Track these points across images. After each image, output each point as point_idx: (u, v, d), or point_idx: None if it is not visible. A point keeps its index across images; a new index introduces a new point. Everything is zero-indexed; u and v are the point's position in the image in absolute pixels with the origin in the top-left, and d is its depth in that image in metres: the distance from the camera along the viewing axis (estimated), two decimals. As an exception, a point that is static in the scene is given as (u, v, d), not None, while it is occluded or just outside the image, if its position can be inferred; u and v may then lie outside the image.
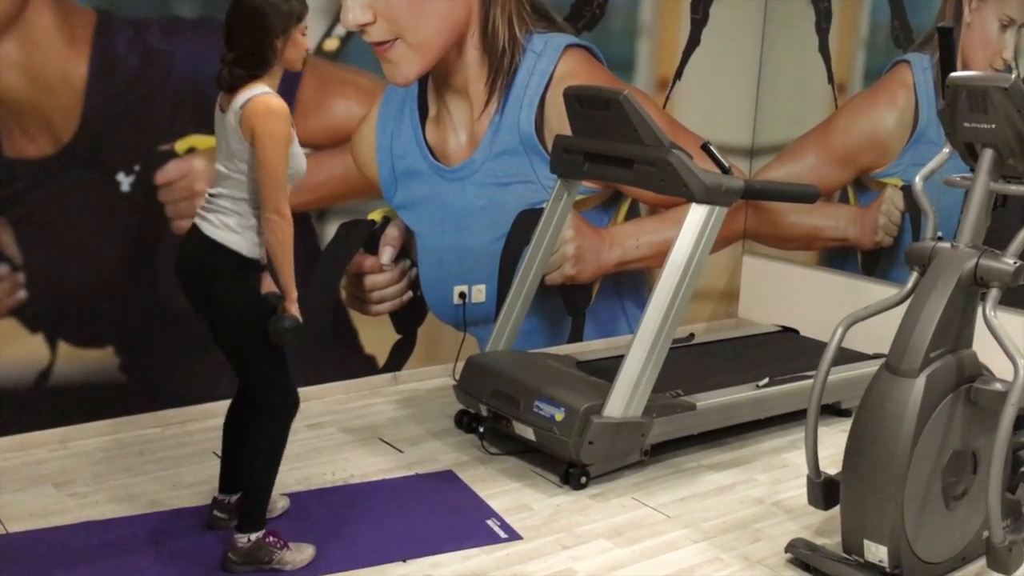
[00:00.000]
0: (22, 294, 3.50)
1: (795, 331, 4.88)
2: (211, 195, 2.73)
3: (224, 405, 3.88)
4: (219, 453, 3.51)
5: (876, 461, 2.68)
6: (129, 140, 3.59)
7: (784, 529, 3.19)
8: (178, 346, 3.81)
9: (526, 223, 4.55)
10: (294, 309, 2.72)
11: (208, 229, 2.68)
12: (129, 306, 3.69)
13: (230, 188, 2.68)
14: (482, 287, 4.58)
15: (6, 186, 3.41)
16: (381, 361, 4.39)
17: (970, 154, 2.81)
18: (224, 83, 2.65)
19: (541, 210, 4.03)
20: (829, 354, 2.88)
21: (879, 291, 4.66)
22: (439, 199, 4.36)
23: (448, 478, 3.49)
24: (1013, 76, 2.63)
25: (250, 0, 2.62)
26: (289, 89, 3.87)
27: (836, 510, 2.92)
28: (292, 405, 2.81)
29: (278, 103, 2.60)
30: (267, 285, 2.92)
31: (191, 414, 3.89)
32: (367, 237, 4.23)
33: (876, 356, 4.32)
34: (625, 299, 5.10)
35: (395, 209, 4.27)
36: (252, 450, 2.79)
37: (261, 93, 2.60)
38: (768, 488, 3.52)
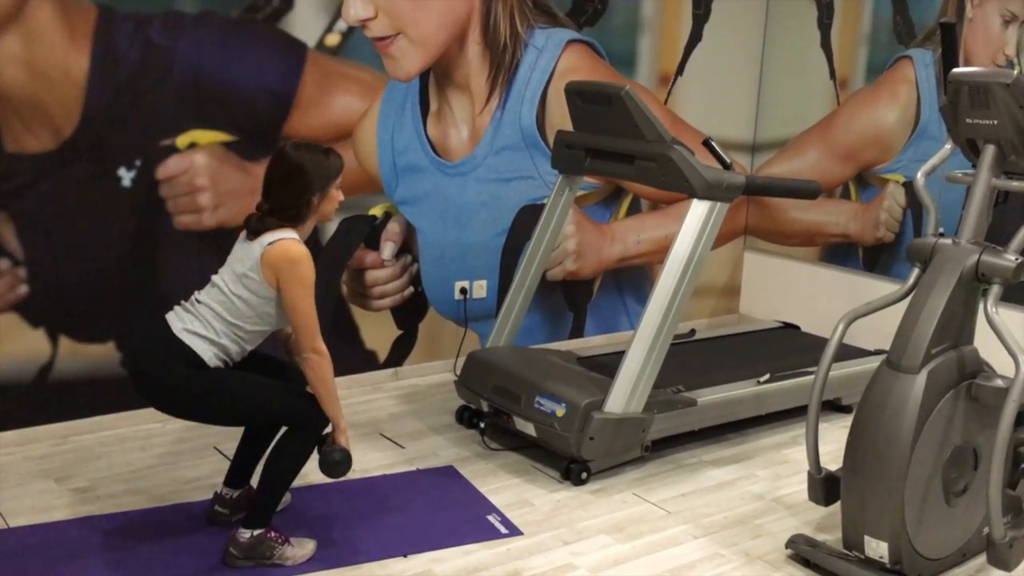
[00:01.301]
0: (23, 289, 3.50)
1: (796, 327, 4.88)
2: (197, 300, 2.76)
3: (225, 400, 3.89)
4: (220, 448, 3.52)
5: (877, 457, 2.68)
6: (130, 135, 3.59)
7: (785, 525, 3.20)
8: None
9: (527, 219, 4.55)
10: (343, 440, 2.77)
11: (177, 327, 2.70)
12: (130, 301, 3.70)
13: (219, 304, 2.71)
14: (483, 283, 4.58)
15: (7, 181, 3.41)
16: (382, 356, 4.39)
17: (972, 150, 2.81)
18: (252, 229, 2.70)
19: (542, 206, 4.03)
20: (830, 350, 2.88)
21: (880, 287, 4.65)
22: (440, 194, 4.36)
23: (449, 473, 3.49)
24: (1015, 72, 2.62)
25: (293, 157, 2.69)
26: (291, 84, 3.87)
27: (837, 506, 2.92)
28: (317, 422, 2.79)
29: (303, 251, 2.67)
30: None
31: (192, 409, 3.89)
32: (368, 232, 4.23)
33: (877, 352, 4.32)
34: (626, 295, 5.10)
35: (396, 204, 4.27)
36: (278, 449, 2.80)
37: (288, 239, 2.66)
38: (769, 484, 3.52)
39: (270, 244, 2.65)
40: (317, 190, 2.71)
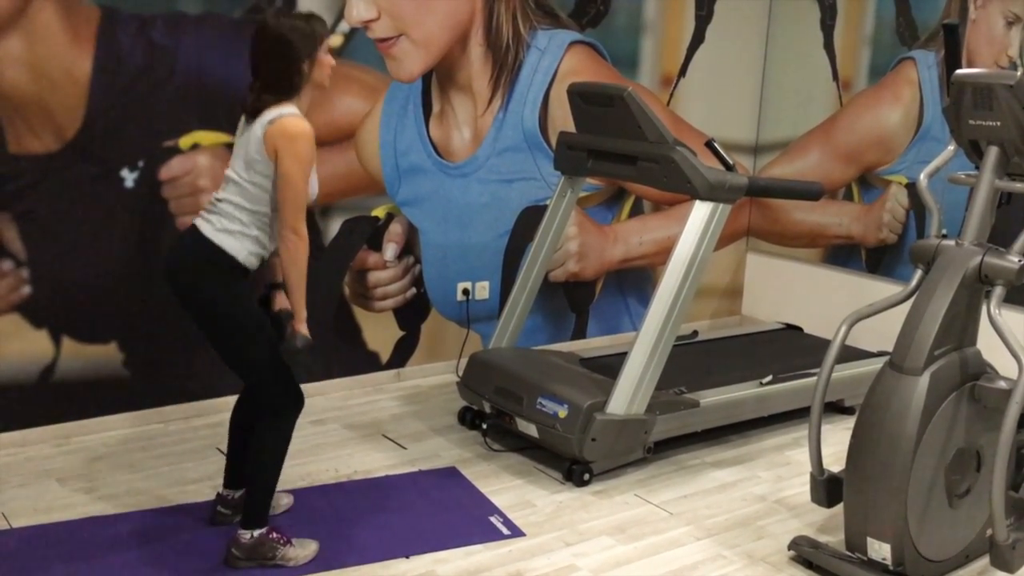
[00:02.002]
0: (26, 290, 3.51)
1: (799, 329, 4.88)
2: (217, 199, 2.73)
3: (228, 401, 3.89)
4: (223, 449, 3.52)
5: (880, 459, 2.68)
6: (133, 136, 3.59)
7: (787, 527, 3.19)
8: (182, 342, 3.82)
9: (530, 220, 4.55)
10: (304, 329, 2.72)
11: (207, 230, 2.69)
12: (133, 302, 3.70)
13: (238, 196, 2.69)
14: (485, 284, 4.58)
15: (10, 182, 3.41)
16: (384, 357, 4.39)
17: (975, 151, 2.81)
18: (250, 109, 2.67)
19: (545, 207, 4.03)
20: (833, 352, 2.88)
21: (883, 289, 4.65)
22: (443, 196, 4.36)
23: (451, 474, 3.49)
24: (1018, 73, 2.62)
25: (274, 28, 2.64)
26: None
27: (839, 508, 2.91)
28: (296, 402, 2.81)
29: (305, 126, 2.62)
30: (280, 301, 2.93)
31: (195, 410, 3.90)
32: (371, 233, 4.23)
33: (880, 354, 4.31)
34: (628, 296, 5.10)
35: (399, 205, 4.27)
36: (257, 447, 2.80)
37: (289, 114, 2.62)
38: (771, 485, 3.52)
39: (270, 122, 2.61)
40: (305, 57, 2.64)
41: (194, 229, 2.73)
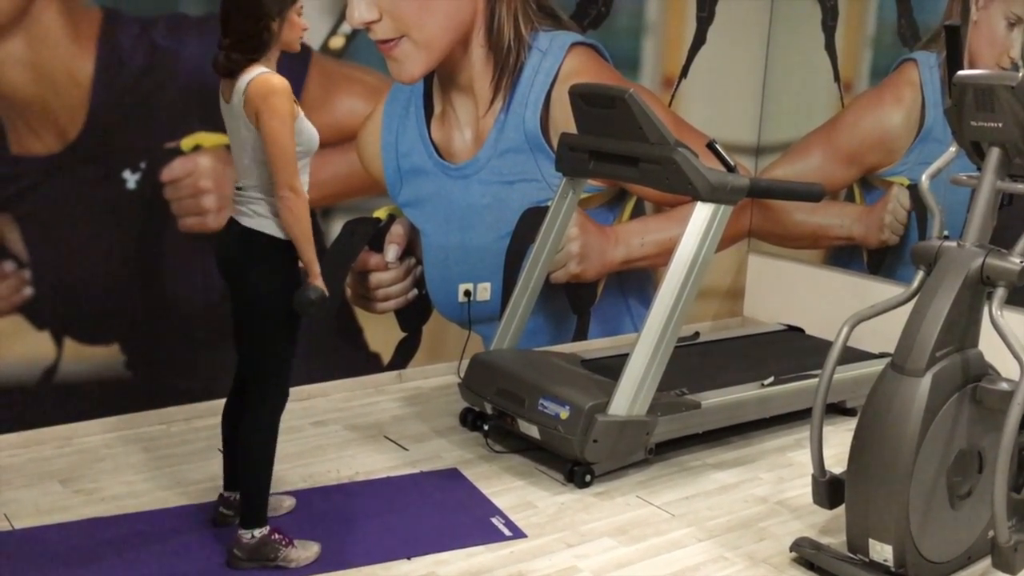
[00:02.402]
0: (28, 291, 3.51)
1: (800, 330, 4.88)
2: (238, 188, 2.75)
3: (229, 402, 3.89)
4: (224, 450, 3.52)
5: (881, 460, 2.68)
6: (135, 137, 3.59)
7: (789, 528, 3.19)
8: (184, 343, 3.82)
9: (531, 221, 4.55)
10: (318, 281, 2.70)
11: (244, 220, 2.70)
12: (135, 303, 3.70)
13: (252, 178, 2.69)
14: (487, 285, 4.58)
15: (12, 183, 3.42)
16: (386, 359, 4.39)
17: (977, 153, 2.81)
18: (221, 68, 2.65)
19: (546, 208, 4.03)
20: (835, 353, 2.87)
21: (885, 290, 4.65)
22: (444, 197, 4.37)
23: (453, 476, 3.49)
24: (1020, 75, 2.62)
25: None
26: (295, 86, 3.87)
27: (841, 509, 2.91)
28: (283, 396, 2.82)
29: (279, 80, 2.59)
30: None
31: (197, 411, 3.90)
32: (372, 235, 4.23)
33: (882, 355, 4.31)
34: (630, 297, 5.10)
35: (400, 207, 4.27)
36: (245, 446, 2.80)
37: (260, 73, 2.60)
38: (773, 487, 3.51)
39: (244, 90, 2.59)
40: (275, 15, 2.62)
41: (232, 223, 2.74)
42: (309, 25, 2.78)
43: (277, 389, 2.80)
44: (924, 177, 2.96)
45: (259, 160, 2.66)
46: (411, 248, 4.34)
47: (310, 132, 2.72)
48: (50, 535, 2.96)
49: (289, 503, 3.17)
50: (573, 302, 4.91)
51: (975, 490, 2.84)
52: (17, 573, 2.75)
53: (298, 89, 3.88)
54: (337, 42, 3.96)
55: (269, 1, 2.61)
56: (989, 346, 2.78)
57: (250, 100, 2.59)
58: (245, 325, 2.79)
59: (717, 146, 3.56)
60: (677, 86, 4.99)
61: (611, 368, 3.70)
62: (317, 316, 2.74)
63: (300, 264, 2.76)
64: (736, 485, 3.52)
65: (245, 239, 2.70)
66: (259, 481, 2.80)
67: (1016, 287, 2.67)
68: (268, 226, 2.68)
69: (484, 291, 4.57)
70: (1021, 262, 2.64)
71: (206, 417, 3.89)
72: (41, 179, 3.46)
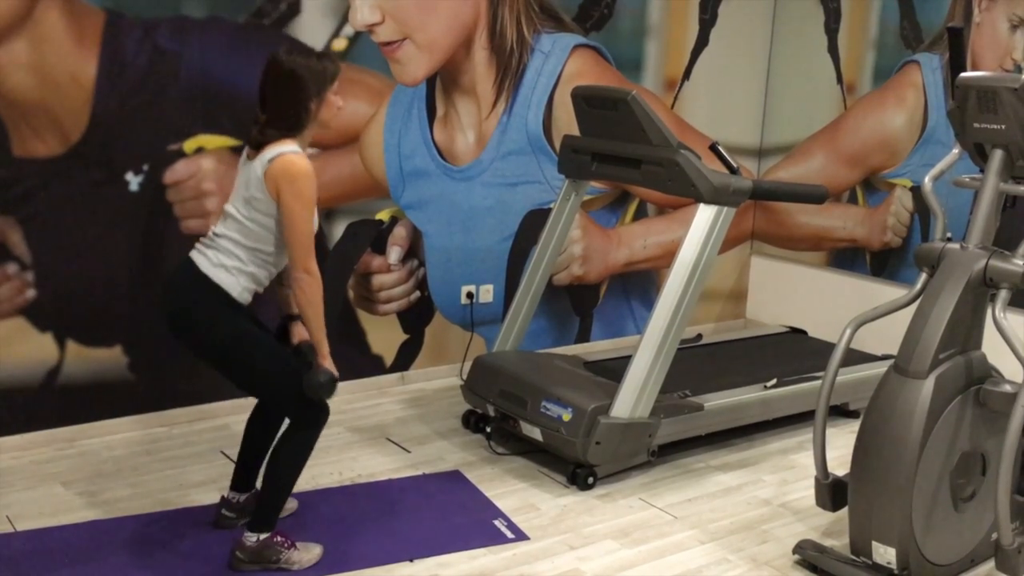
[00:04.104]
0: (31, 293, 3.51)
1: (803, 332, 4.87)
2: (215, 234, 2.74)
3: (232, 405, 3.90)
4: (227, 452, 3.52)
5: (885, 462, 2.68)
6: (138, 140, 3.60)
7: (792, 530, 3.19)
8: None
9: (534, 223, 4.55)
10: (328, 363, 2.73)
11: (204, 265, 2.69)
12: (137, 305, 3.70)
13: (236, 232, 2.69)
14: (489, 287, 4.58)
15: (15, 185, 3.42)
16: (388, 361, 4.39)
17: (980, 155, 2.80)
18: (254, 143, 2.67)
19: (549, 210, 4.03)
20: (837, 355, 2.87)
21: (888, 292, 4.64)
22: (447, 199, 4.37)
23: (455, 478, 3.49)
24: (1023, 76, 2.61)
25: (286, 63, 2.64)
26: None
27: (844, 512, 2.91)
28: (320, 414, 2.79)
29: (305, 164, 2.62)
30: (299, 333, 2.95)
31: (199, 413, 3.90)
32: (375, 237, 4.23)
33: (885, 357, 4.31)
34: (633, 299, 5.10)
35: (403, 209, 4.27)
36: (278, 452, 2.79)
37: (289, 152, 2.62)
38: (776, 489, 3.51)
39: (271, 160, 2.60)
40: (314, 95, 2.65)
41: (189, 262, 2.73)
42: (344, 104, 2.80)
43: (309, 411, 2.77)
44: (927, 179, 2.96)
45: (251, 220, 2.67)
46: (414, 250, 4.34)
47: (313, 218, 2.74)
48: (52, 537, 2.96)
49: (292, 505, 3.17)
50: (576, 304, 4.91)
51: (978, 492, 2.84)
52: (18, 575, 2.75)
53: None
54: (340, 44, 3.96)
55: (310, 82, 2.64)
56: (992, 348, 2.78)
57: (274, 176, 2.60)
58: (224, 374, 2.79)
59: (720, 148, 3.55)
60: (680, 88, 4.99)
61: (614, 370, 3.70)
62: (328, 398, 2.75)
63: (294, 337, 2.76)
64: (739, 487, 3.51)
65: (197, 283, 2.68)
66: (282, 489, 2.80)
67: (1019, 289, 2.66)
68: (226, 281, 2.68)
69: (487, 293, 4.57)
70: (1024, 264, 2.64)
71: (208, 419, 3.89)
72: (44, 181, 3.47)
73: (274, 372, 2.73)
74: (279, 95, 2.64)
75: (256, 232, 2.68)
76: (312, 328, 2.70)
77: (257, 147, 2.66)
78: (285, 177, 2.59)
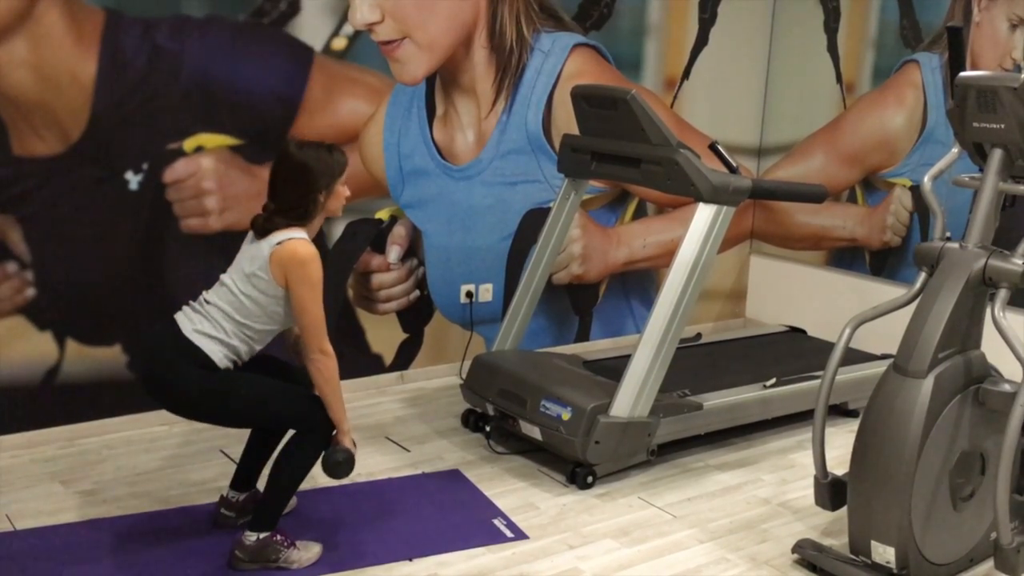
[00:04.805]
0: (30, 292, 3.51)
1: (802, 331, 4.87)
2: (206, 301, 2.76)
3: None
4: (227, 452, 3.52)
5: (884, 462, 2.68)
6: (138, 139, 3.60)
7: (791, 530, 3.19)
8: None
9: (533, 222, 4.55)
10: (347, 441, 2.77)
11: (186, 328, 2.71)
12: (137, 304, 3.70)
13: (228, 304, 2.71)
14: (489, 286, 4.58)
15: (15, 184, 3.42)
16: (388, 360, 4.39)
17: (979, 154, 2.80)
18: (259, 230, 2.70)
19: (548, 209, 4.03)
20: (837, 354, 2.87)
21: (887, 291, 4.64)
22: (446, 198, 4.37)
23: (454, 477, 3.49)
24: (1022, 76, 2.61)
25: (297, 156, 2.69)
26: (297, 88, 3.88)
27: (843, 511, 2.91)
28: (324, 426, 2.79)
29: (312, 251, 2.66)
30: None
31: (198, 412, 3.90)
32: (374, 236, 4.23)
33: (884, 357, 4.31)
34: (632, 299, 5.10)
35: (402, 208, 4.27)
36: (286, 453, 2.79)
37: (296, 238, 2.66)
38: (775, 488, 3.51)
39: (279, 244, 2.65)
40: (323, 188, 2.71)
41: (172, 323, 2.74)
42: (350, 193, 2.85)
43: (312, 425, 2.77)
44: (926, 178, 2.96)
45: (247, 297, 2.68)
46: (413, 249, 4.34)
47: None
48: (52, 536, 2.96)
49: (291, 504, 3.16)
50: (575, 303, 4.91)
51: (977, 492, 2.84)
52: (19, 574, 2.75)
53: (300, 91, 3.88)
54: (339, 43, 3.96)
55: (320, 174, 2.69)
56: (991, 348, 2.78)
57: (280, 261, 2.64)
58: (226, 423, 2.83)
59: (719, 147, 3.56)
60: (679, 87, 4.99)
61: (613, 369, 3.70)
62: (344, 477, 2.80)
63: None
64: (738, 487, 3.52)
65: (178, 348, 2.68)
66: (287, 489, 2.81)
67: (1019, 288, 2.66)
68: (209, 348, 2.69)
69: (486, 292, 4.57)
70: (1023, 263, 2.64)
71: (208, 418, 3.89)
72: (43, 180, 3.47)
73: (271, 404, 2.75)
74: (289, 186, 2.69)
75: (248, 308, 2.70)
76: (331, 407, 2.74)
77: (262, 234, 2.69)
78: (293, 262, 2.63)
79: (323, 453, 2.76)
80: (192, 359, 2.68)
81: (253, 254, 2.70)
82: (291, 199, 2.69)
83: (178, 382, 2.69)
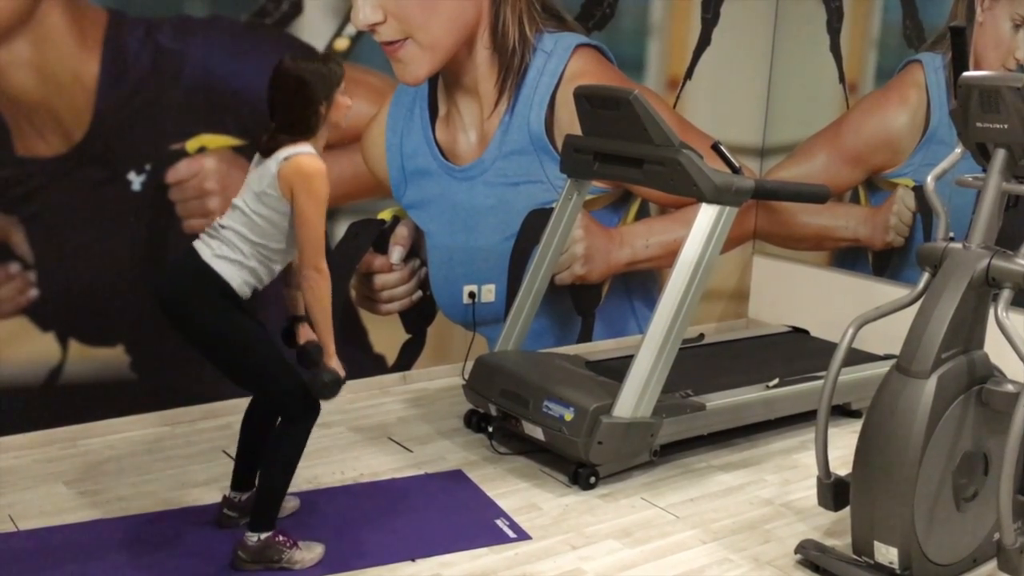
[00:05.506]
0: (33, 292, 3.52)
1: (805, 332, 4.87)
2: (221, 225, 2.74)
3: (234, 404, 3.90)
4: (229, 452, 3.53)
5: (887, 462, 2.67)
6: (140, 139, 3.60)
7: (794, 530, 3.19)
8: (188, 345, 3.82)
9: (536, 223, 4.55)
10: (334, 363, 2.75)
11: (205, 254, 2.70)
12: (140, 305, 3.71)
13: (242, 226, 2.70)
14: (492, 287, 4.58)
15: (18, 185, 3.43)
16: (390, 360, 4.39)
17: (982, 154, 2.80)
18: (265, 149, 2.69)
19: (551, 210, 4.03)
20: (840, 355, 2.87)
21: (890, 292, 4.64)
22: (449, 198, 4.37)
23: (457, 477, 3.49)
24: (1026, 76, 2.61)
25: (292, 70, 2.65)
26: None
27: (846, 511, 2.91)
28: (311, 409, 2.80)
29: (319, 165, 2.63)
30: (304, 334, 2.96)
31: (201, 412, 3.90)
32: (377, 236, 4.23)
33: (887, 357, 4.30)
34: (635, 299, 5.10)
35: (405, 208, 4.28)
36: (271, 451, 2.79)
37: (304, 153, 2.63)
38: (778, 489, 3.51)
39: (286, 159, 2.62)
40: (323, 99, 2.67)
41: (191, 251, 2.73)
42: (352, 103, 2.82)
43: (298, 404, 2.77)
44: (929, 178, 2.96)
45: (259, 215, 2.67)
46: (416, 250, 4.35)
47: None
48: (54, 536, 2.97)
49: (293, 504, 3.17)
50: (578, 304, 4.91)
51: (981, 492, 2.83)
52: (21, 574, 2.75)
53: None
54: (342, 43, 3.96)
55: (318, 85, 2.65)
56: (995, 348, 2.78)
57: (287, 175, 2.61)
58: (217, 366, 2.80)
59: (722, 147, 3.55)
60: (682, 88, 4.99)
61: (616, 370, 3.70)
62: (332, 398, 2.76)
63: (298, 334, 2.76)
64: (741, 487, 3.51)
65: (197, 274, 2.68)
66: (278, 488, 2.81)
67: (1022, 288, 2.66)
68: (227, 272, 2.68)
69: (488, 292, 4.57)
70: (1027, 264, 2.64)
71: (210, 419, 3.89)
72: (46, 181, 3.47)
73: (266, 365, 2.74)
74: (288, 102, 2.66)
75: (262, 228, 2.68)
76: (319, 327, 2.71)
77: (268, 154, 2.67)
78: (299, 176, 2.61)
79: (311, 375, 2.71)
80: (212, 286, 2.67)
81: (261, 173, 2.68)
82: (292, 115, 2.65)
83: (195, 307, 2.68)
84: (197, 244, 2.74)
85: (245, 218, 2.69)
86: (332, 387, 2.72)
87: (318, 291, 2.67)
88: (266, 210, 2.67)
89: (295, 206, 2.63)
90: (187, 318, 2.71)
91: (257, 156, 2.75)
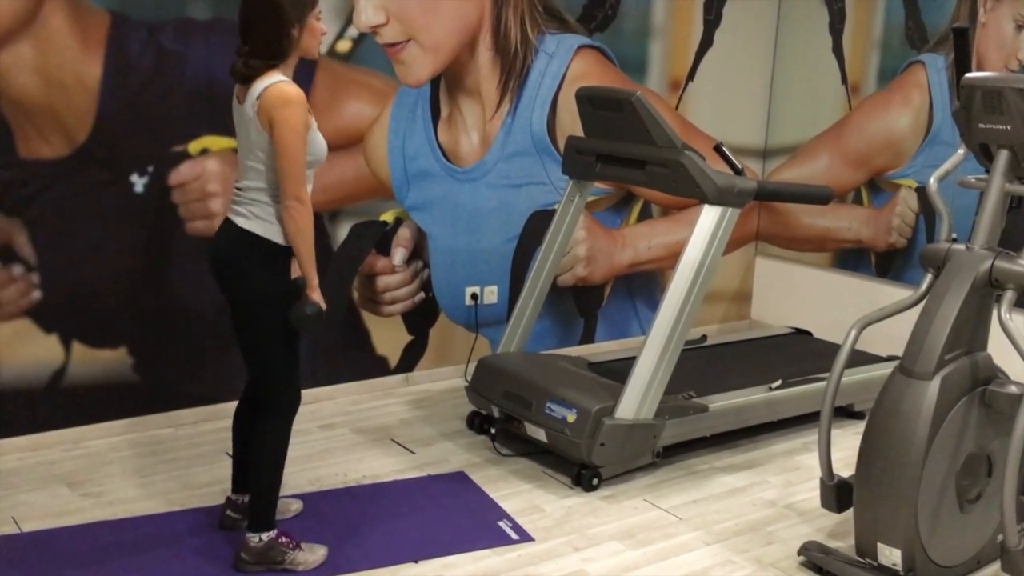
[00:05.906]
0: (36, 294, 3.52)
1: (808, 333, 4.87)
2: (238, 188, 2.74)
3: (235, 406, 3.90)
4: (231, 453, 3.53)
5: (890, 464, 2.67)
6: (143, 141, 3.60)
7: (797, 532, 3.18)
8: (191, 346, 3.83)
9: (538, 224, 4.55)
10: (316, 296, 2.71)
11: (241, 222, 2.70)
12: (143, 306, 3.71)
13: (255, 179, 2.69)
14: (494, 288, 4.58)
15: (21, 187, 3.43)
16: (393, 362, 4.39)
17: (985, 155, 2.80)
18: (239, 75, 2.65)
19: (553, 211, 4.03)
20: (843, 356, 2.87)
21: (893, 293, 4.63)
22: (451, 200, 4.37)
23: (460, 479, 3.49)
24: (1029, 77, 2.61)
25: None
26: (302, 90, 3.87)
27: (849, 513, 2.90)
28: (295, 401, 2.82)
29: (295, 91, 2.60)
30: (294, 270, 2.95)
31: (204, 414, 3.90)
32: (379, 238, 4.23)
33: (890, 358, 4.30)
34: (637, 300, 5.09)
35: (407, 210, 4.28)
36: (256, 450, 2.80)
37: (277, 82, 2.60)
38: (781, 490, 3.51)
39: (259, 96, 2.59)
40: (295, 21, 2.62)
41: (228, 223, 2.74)
42: (327, 30, 2.77)
43: (287, 395, 2.80)
44: (932, 180, 2.95)
45: (265, 164, 2.66)
46: (418, 251, 4.35)
47: (320, 144, 2.72)
48: (57, 538, 2.97)
49: (296, 506, 3.17)
50: (580, 305, 4.90)
51: (984, 494, 2.83)
52: (25, 576, 2.76)
53: (305, 93, 3.87)
54: (344, 46, 3.97)
55: (289, 8, 2.61)
56: (998, 349, 2.77)
57: (264, 107, 2.59)
58: (243, 332, 2.79)
59: (724, 149, 3.55)
60: (684, 89, 4.99)
61: (618, 371, 3.70)
62: (314, 332, 2.74)
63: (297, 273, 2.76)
64: (744, 489, 3.51)
65: (241, 241, 2.69)
66: (270, 485, 2.81)
67: (1025, 290, 2.66)
68: (266, 229, 2.68)
69: (491, 294, 4.57)
70: (1030, 265, 2.63)
71: (214, 420, 3.89)
72: (49, 183, 3.47)
73: (279, 356, 2.74)
74: (260, 24, 2.61)
75: (268, 174, 2.67)
76: (302, 259, 2.68)
77: (243, 80, 2.64)
78: (275, 105, 2.57)
79: (293, 308, 2.68)
80: (260, 250, 2.67)
81: (245, 122, 2.65)
82: (264, 37, 2.60)
83: (247, 267, 2.68)
84: (230, 215, 2.74)
85: (253, 171, 2.68)
86: (315, 319, 2.69)
87: (300, 222, 2.63)
88: (264, 155, 2.65)
89: (273, 136, 2.59)
90: (240, 283, 2.70)
91: (234, 99, 2.71)
